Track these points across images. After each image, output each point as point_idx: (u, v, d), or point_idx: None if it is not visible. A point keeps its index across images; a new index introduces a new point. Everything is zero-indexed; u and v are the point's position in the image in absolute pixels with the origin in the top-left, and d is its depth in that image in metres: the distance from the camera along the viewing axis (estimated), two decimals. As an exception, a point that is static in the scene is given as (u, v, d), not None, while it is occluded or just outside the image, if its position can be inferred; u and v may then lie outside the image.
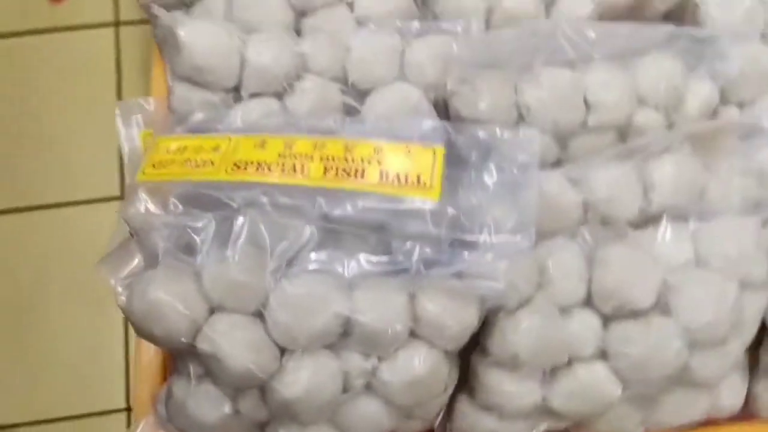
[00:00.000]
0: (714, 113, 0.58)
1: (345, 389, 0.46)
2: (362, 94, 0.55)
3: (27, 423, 0.82)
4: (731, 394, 0.52)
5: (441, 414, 0.51)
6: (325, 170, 0.46)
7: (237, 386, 0.45)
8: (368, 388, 0.46)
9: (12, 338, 0.84)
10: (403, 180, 0.46)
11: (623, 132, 0.55)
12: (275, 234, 0.45)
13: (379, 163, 0.46)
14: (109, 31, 0.96)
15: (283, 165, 0.46)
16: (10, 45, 0.96)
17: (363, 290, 0.45)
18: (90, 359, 0.84)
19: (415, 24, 0.56)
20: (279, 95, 0.53)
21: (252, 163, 0.47)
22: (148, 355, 0.53)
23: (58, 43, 0.96)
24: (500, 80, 0.53)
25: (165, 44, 0.55)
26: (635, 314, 0.47)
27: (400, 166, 0.46)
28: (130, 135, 0.58)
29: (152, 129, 0.57)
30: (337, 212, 0.45)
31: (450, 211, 0.45)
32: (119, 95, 0.93)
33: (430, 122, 0.49)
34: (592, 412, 0.48)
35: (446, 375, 0.47)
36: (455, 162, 0.48)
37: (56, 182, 0.89)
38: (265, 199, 0.45)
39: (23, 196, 0.89)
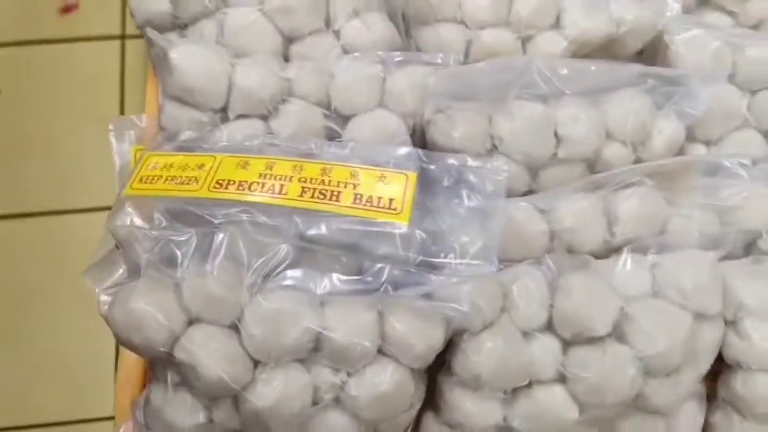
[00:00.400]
0: (681, 150, 0.61)
1: (314, 402, 0.48)
2: (344, 120, 0.57)
3: (18, 427, 0.84)
4: (688, 423, 0.54)
5: (408, 430, 0.54)
6: (303, 191, 0.48)
7: (211, 396, 0.47)
8: (337, 402, 0.48)
9: (5, 343, 0.85)
10: (376, 203, 0.48)
11: (592, 164, 0.58)
12: (253, 250, 0.47)
13: (354, 186, 0.49)
14: (116, 44, 0.98)
15: (263, 185, 0.49)
16: (18, 53, 0.97)
17: (334, 307, 0.47)
18: (82, 367, 0.85)
19: (397, 55, 0.58)
20: (264, 117, 0.56)
21: (234, 182, 0.49)
22: (130, 362, 0.55)
23: (65, 54, 0.98)
24: (475, 112, 0.55)
25: (159, 64, 0.58)
26: (593, 341, 0.49)
27: (374, 190, 0.49)
28: (122, 150, 0.61)
29: (144, 145, 0.60)
30: (312, 232, 0.47)
31: (419, 234, 0.47)
32: (122, 107, 0.95)
33: (405, 149, 0.51)
34: (551, 433, 0.50)
35: (412, 392, 0.49)
36: (427, 188, 0.50)
37: (56, 190, 0.90)
38: (244, 217, 0.48)
39: (22, 203, 0.90)
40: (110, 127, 0.60)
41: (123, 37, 0.97)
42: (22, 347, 0.85)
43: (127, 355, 0.55)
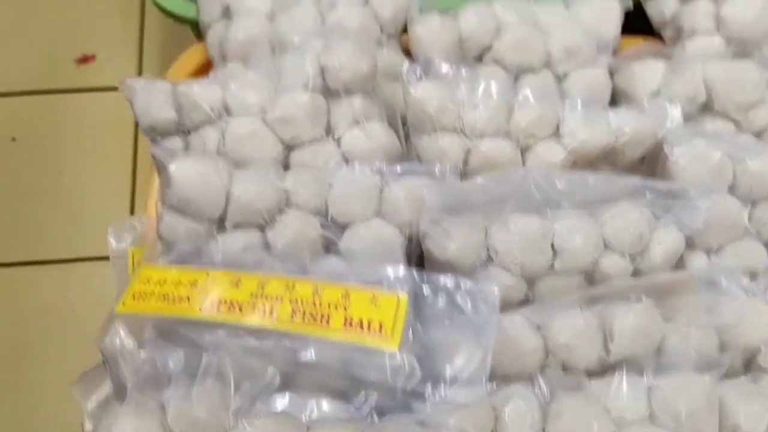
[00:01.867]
0: (681, 260, 0.60)
1: None
2: (341, 228, 0.58)
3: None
4: None
5: None
6: (293, 313, 0.48)
7: None
8: None
9: (4, 391, 0.85)
10: (366, 327, 0.48)
11: (590, 275, 0.58)
12: (240, 374, 0.47)
13: (345, 309, 0.49)
14: (131, 95, 1.00)
15: (254, 306, 0.49)
16: (34, 103, 1.00)
17: (320, 433, 0.47)
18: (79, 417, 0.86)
19: (396, 165, 0.59)
20: (261, 227, 0.56)
21: (225, 302, 0.49)
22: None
23: (81, 103, 1.00)
24: (470, 224, 0.56)
25: (160, 170, 0.58)
26: (585, 469, 0.48)
27: (365, 313, 0.48)
28: (121, 251, 0.61)
29: (141, 247, 0.60)
30: (301, 356, 0.47)
31: (409, 360, 0.47)
32: (135, 158, 0.96)
33: (398, 269, 0.51)
34: None
35: None
36: (419, 308, 0.50)
37: (66, 237, 0.92)
38: (233, 340, 0.48)
39: (33, 250, 0.92)
40: (109, 229, 0.60)
41: (139, 88, 0.99)
42: (22, 395, 0.85)
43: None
